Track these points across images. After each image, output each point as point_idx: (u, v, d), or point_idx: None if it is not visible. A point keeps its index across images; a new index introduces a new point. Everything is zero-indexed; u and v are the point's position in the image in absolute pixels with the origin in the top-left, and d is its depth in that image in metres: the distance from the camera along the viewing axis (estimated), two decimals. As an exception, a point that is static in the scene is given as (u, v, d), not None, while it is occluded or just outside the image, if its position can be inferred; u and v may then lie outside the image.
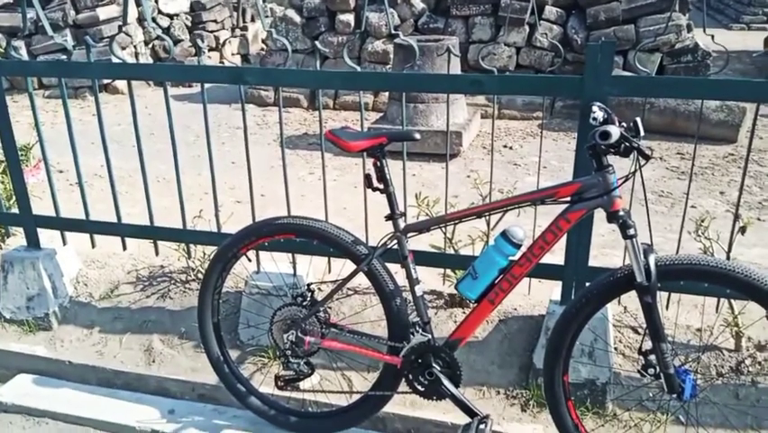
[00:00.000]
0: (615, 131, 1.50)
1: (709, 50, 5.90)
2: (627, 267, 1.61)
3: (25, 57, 7.15)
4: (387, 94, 6.25)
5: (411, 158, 5.10)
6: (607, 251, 3.29)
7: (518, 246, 1.70)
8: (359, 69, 2.27)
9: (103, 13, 7.49)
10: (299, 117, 6.66)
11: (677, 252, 2.10)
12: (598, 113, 1.59)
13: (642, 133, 1.57)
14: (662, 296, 1.98)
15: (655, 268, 1.55)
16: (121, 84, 7.40)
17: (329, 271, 2.51)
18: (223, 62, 8.89)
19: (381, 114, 6.06)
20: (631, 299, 1.77)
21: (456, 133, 5.16)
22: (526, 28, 6.42)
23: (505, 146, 5.54)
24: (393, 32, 3.01)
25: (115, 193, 2.61)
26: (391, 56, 6.39)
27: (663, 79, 2.13)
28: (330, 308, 2.30)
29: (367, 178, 1.86)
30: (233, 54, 9.17)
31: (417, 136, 1.87)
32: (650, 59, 5.95)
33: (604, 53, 1.94)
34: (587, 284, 1.95)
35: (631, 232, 1.58)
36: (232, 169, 4.69)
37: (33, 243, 2.70)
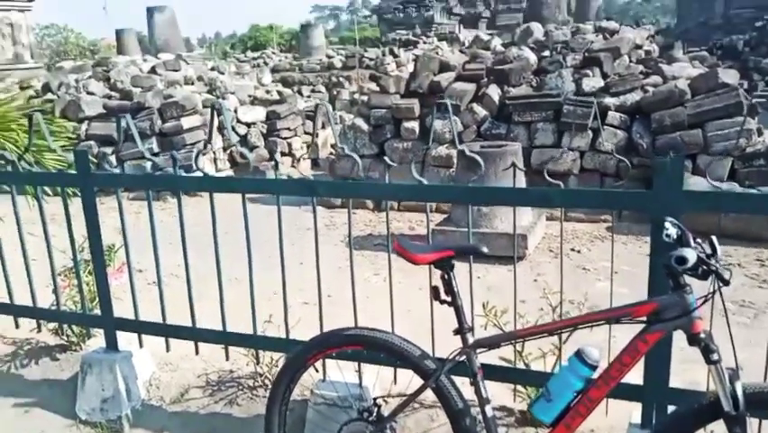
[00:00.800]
0: (691, 255, 1.47)
1: (784, 153, 5.75)
2: (713, 394, 1.52)
3: (114, 162, 7.78)
4: (450, 197, 6.35)
5: (476, 259, 5.08)
6: (687, 366, 3.10)
7: (594, 367, 1.65)
8: (425, 181, 2.36)
9: (186, 122, 8.13)
10: (365, 218, 6.83)
11: (765, 372, 1.96)
12: (671, 229, 1.57)
13: (719, 252, 1.53)
14: (751, 423, 1.84)
15: (743, 396, 1.46)
16: (199, 187, 7.89)
17: (395, 383, 2.48)
18: (294, 166, 9.36)
19: (446, 215, 6.13)
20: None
21: (522, 235, 5.15)
22: (590, 133, 6.48)
23: (572, 249, 5.46)
24: (456, 141, 3.12)
25: (192, 298, 2.72)
26: (455, 160, 6.57)
27: (737, 194, 2.09)
28: (395, 422, 2.25)
29: (434, 290, 1.87)
30: (304, 158, 9.65)
31: (485, 250, 1.89)
32: (721, 163, 5.84)
33: (674, 167, 1.94)
34: (669, 408, 1.84)
35: (714, 357, 1.50)
36: (299, 269, 4.79)
37: (112, 345, 2.82)
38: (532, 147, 6.78)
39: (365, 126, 7.44)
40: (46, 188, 3.23)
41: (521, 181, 5.62)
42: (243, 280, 2.66)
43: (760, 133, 6.09)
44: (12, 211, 2.96)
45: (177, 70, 9.30)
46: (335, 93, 13.98)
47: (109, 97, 8.51)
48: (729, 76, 6.34)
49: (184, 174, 2.81)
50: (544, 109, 6.73)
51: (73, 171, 2.77)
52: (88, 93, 8.34)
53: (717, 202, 2.07)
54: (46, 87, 8.76)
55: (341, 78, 14.51)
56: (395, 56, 15.65)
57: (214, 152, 8.56)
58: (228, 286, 2.74)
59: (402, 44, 20.42)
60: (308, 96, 13.09)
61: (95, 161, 2.98)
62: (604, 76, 6.86)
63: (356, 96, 13.04)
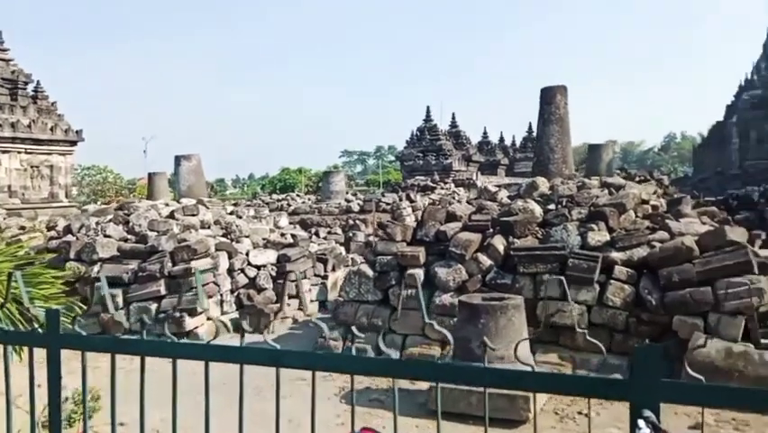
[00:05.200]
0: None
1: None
2: None
3: (120, 304, 7.82)
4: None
5: (471, 421, 4.79)
6: None
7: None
8: (396, 356, 2.25)
9: (196, 265, 8.23)
10: (365, 369, 6.57)
11: None
12: (644, 430, 1.47)
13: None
14: None
15: None
16: (201, 331, 7.81)
17: None
18: (301, 309, 9.29)
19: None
20: None
21: (523, 397, 4.86)
22: (596, 286, 6.35)
23: (579, 413, 5.11)
24: (424, 315, 3.03)
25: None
26: (458, 309, 6.43)
27: (721, 388, 1.93)
28: None
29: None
30: (311, 301, 9.59)
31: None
32: (733, 322, 5.59)
33: (652, 357, 1.84)
34: None
35: None
36: (288, 427, 4.55)
37: None
38: (537, 299, 6.64)
39: (370, 272, 7.44)
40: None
41: (523, 334, 5.46)
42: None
43: (773, 293, 5.88)
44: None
45: (195, 215, 9.62)
46: (351, 235, 14.26)
47: (125, 240, 8.75)
48: (737, 234, 6.29)
49: (148, 339, 2.74)
50: (549, 261, 6.68)
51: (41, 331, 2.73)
52: (105, 236, 8.60)
53: (698, 395, 1.90)
54: (67, 229, 9.09)
55: (357, 221, 14.86)
56: (411, 201, 16.10)
57: (221, 295, 8.57)
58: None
59: (420, 189, 21.13)
60: (324, 238, 13.34)
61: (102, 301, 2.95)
62: (610, 230, 6.86)
63: (371, 238, 13.24)
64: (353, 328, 2.47)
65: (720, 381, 5.00)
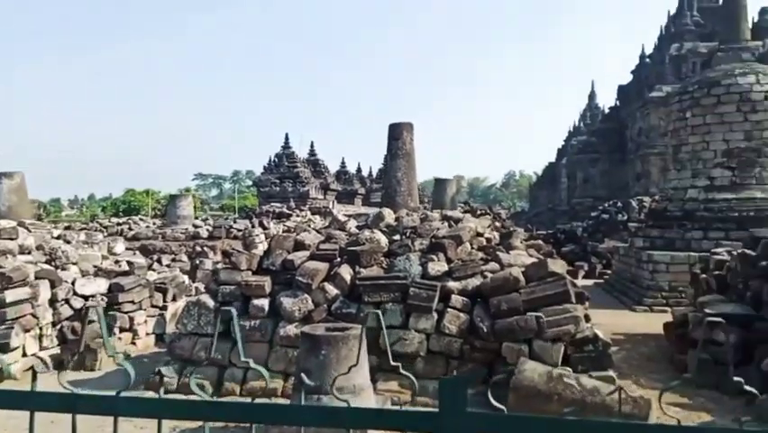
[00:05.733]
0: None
1: (608, 340, 6.13)
2: None
3: None
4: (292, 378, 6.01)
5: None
6: None
7: None
8: (207, 397, 2.12)
9: (11, 295, 7.32)
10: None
11: None
12: None
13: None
14: None
15: None
16: (15, 368, 6.91)
17: None
18: (134, 342, 8.60)
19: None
20: None
21: None
22: (435, 315, 6.60)
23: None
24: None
25: None
26: (301, 340, 6.32)
27: (523, 418, 2.04)
28: None
29: None
30: (147, 334, 8.93)
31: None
32: (554, 348, 6.09)
33: (457, 388, 1.90)
34: None
35: None
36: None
37: None
38: (381, 328, 6.73)
39: (211, 303, 7.09)
40: None
41: (364, 365, 5.48)
42: None
43: (588, 320, 6.50)
44: None
45: (13, 238, 8.58)
46: (198, 263, 13.57)
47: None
48: (557, 266, 6.88)
49: None
50: (392, 290, 6.83)
51: None
52: None
53: (501, 424, 2.00)
54: None
55: (205, 248, 14.22)
56: (264, 228, 15.77)
57: (40, 328, 7.68)
58: None
59: (276, 216, 20.82)
60: (167, 266, 12.56)
61: None
62: (448, 261, 7.19)
63: (218, 266, 12.70)
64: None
65: (542, 404, 5.38)
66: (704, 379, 6.51)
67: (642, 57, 34.39)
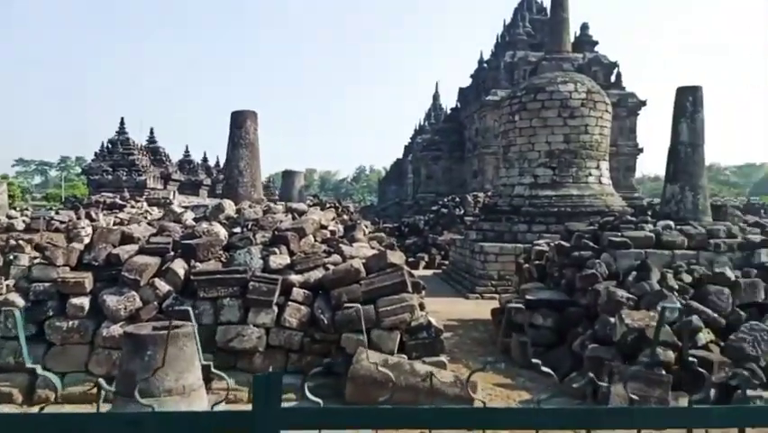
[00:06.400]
0: None
1: (441, 327, 6.44)
2: None
3: None
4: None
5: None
6: None
7: None
8: None
9: None
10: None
11: None
12: None
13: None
14: None
15: None
16: None
17: None
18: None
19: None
20: None
21: None
22: (275, 309, 6.46)
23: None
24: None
25: None
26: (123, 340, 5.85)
27: (334, 410, 2.03)
28: None
29: None
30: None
31: None
32: (390, 336, 6.26)
33: (271, 384, 1.83)
34: None
35: None
36: None
37: None
38: (218, 324, 6.46)
39: (21, 302, 6.32)
40: None
41: (195, 364, 5.21)
42: None
43: (422, 308, 6.77)
44: None
45: None
46: (11, 258, 12.06)
47: None
48: (396, 257, 7.07)
49: None
50: (230, 285, 6.57)
51: None
52: None
53: (317, 418, 1.96)
54: None
55: (20, 242, 12.67)
56: (92, 220, 14.43)
57: None
58: None
59: (107, 207, 19.19)
60: (-29, 262, 11.01)
61: None
62: (291, 253, 7.08)
63: (34, 261, 11.40)
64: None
65: (377, 391, 5.49)
66: (523, 360, 7.10)
67: (480, 62, 36.77)
